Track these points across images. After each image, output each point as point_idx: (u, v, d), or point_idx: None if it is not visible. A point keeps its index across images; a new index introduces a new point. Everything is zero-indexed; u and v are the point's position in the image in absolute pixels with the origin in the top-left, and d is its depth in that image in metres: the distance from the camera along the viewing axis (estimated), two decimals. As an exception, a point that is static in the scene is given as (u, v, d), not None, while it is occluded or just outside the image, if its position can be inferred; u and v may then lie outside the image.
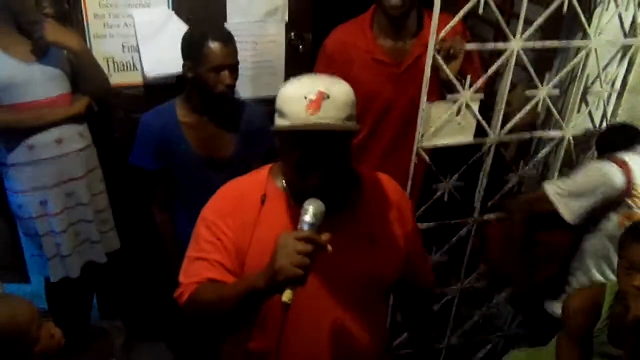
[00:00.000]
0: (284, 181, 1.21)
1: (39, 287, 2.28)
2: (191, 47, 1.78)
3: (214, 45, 1.74)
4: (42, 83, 1.85)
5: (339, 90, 1.09)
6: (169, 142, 1.87)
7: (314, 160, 1.09)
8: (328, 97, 1.06)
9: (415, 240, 1.36)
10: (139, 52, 2.04)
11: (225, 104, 1.85)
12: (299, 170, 1.12)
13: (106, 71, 2.05)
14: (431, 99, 1.80)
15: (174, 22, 2.02)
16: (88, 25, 1.99)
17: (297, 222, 1.07)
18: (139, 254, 2.36)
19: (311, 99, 1.05)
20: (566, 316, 1.57)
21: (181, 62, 2.02)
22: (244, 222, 1.19)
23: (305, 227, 1.03)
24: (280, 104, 1.10)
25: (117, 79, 2.08)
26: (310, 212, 1.04)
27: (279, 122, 1.10)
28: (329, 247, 1.01)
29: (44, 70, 1.85)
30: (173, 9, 2.03)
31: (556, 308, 1.83)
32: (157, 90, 2.10)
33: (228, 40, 1.76)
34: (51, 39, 1.77)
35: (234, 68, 1.78)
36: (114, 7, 1.98)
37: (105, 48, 2.03)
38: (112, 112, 2.15)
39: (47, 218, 1.98)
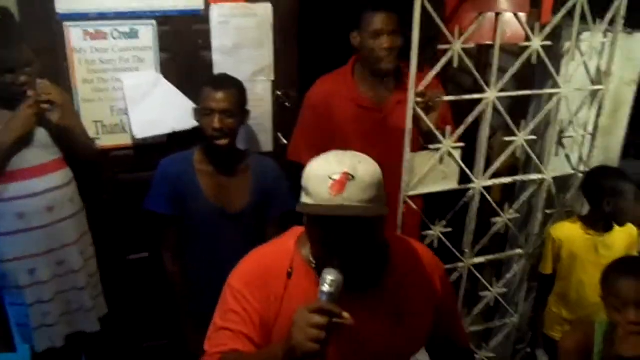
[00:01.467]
0: (310, 253, 1.20)
1: (24, 355, 2.23)
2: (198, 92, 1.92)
3: (207, 89, 1.87)
4: (33, 150, 1.87)
5: (364, 171, 1.07)
6: (184, 188, 1.93)
7: (337, 241, 1.08)
8: (353, 177, 1.05)
9: (449, 303, 1.35)
10: (127, 114, 2.10)
11: (222, 151, 1.91)
12: (322, 249, 1.12)
13: (94, 134, 2.11)
14: (412, 147, 1.89)
15: (162, 85, 2.11)
16: (76, 90, 2.06)
17: None
18: (128, 319, 2.35)
19: (335, 179, 1.05)
20: (560, 357, 1.61)
21: (170, 123, 2.12)
22: (270, 296, 1.18)
23: (323, 297, 1.03)
24: (305, 181, 1.10)
25: (105, 140, 2.13)
26: (327, 281, 1.04)
27: (304, 199, 1.10)
28: (346, 315, 1.01)
29: (35, 139, 1.87)
30: (161, 72, 2.12)
31: None
32: (146, 151, 2.17)
33: (221, 86, 1.87)
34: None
35: (225, 113, 1.85)
36: (103, 72, 2.07)
37: (93, 112, 2.10)
38: (100, 173, 2.18)
39: (36, 287, 1.95)
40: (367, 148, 2.10)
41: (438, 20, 1.75)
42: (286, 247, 1.23)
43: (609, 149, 2.33)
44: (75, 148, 1.97)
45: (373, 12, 2.01)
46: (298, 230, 1.26)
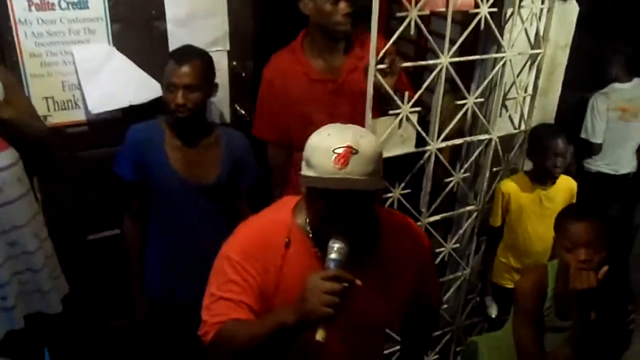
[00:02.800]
0: (307, 221, 1.24)
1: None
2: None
3: (170, 64, 1.87)
4: None
5: (367, 145, 1.12)
6: (150, 156, 1.95)
7: (339, 213, 1.12)
8: (356, 151, 1.09)
9: (429, 269, 1.44)
10: (80, 89, 2.05)
11: (184, 125, 1.93)
12: (323, 220, 1.17)
13: (45, 111, 2.04)
14: (372, 114, 1.99)
15: (115, 57, 2.07)
16: (23, 64, 1.98)
17: (321, 264, 1.14)
18: (88, 300, 2.33)
19: (339, 152, 1.09)
20: (517, 298, 1.79)
21: (126, 96, 2.09)
22: (268, 267, 1.23)
23: (332, 265, 1.10)
24: (307, 153, 1.14)
25: (58, 118, 2.08)
26: (335, 249, 1.10)
27: (306, 171, 1.15)
28: (358, 282, 1.08)
29: None
30: (113, 45, 2.08)
31: None
32: (102, 127, 2.14)
33: (185, 60, 1.86)
34: None
35: (188, 88, 1.85)
36: (51, 45, 2.00)
37: (43, 87, 2.03)
38: (53, 152, 2.12)
39: None
40: (326, 119, 2.19)
41: (396, -11, 1.83)
42: (282, 218, 1.28)
43: (546, 109, 2.54)
44: (24, 133, 1.87)
45: None
46: (290, 200, 1.31)
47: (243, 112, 2.34)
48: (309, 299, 1.06)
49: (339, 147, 1.09)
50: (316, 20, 2.11)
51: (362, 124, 1.97)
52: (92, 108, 2.06)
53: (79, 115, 2.11)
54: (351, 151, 1.09)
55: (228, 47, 2.27)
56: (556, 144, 2.26)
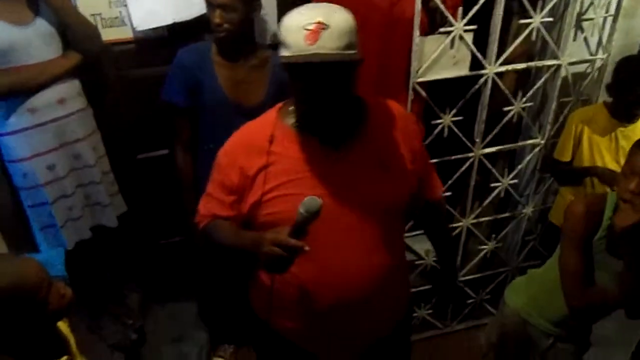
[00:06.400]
0: (293, 118, 1.32)
1: (49, 254, 2.38)
2: None
3: None
4: (37, 45, 1.90)
5: (338, 19, 1.16)
6: (200, 79, 1.97)
7: (315, 89, 1.19)
8: (327, 26, 1.14)
9: (423, 157, 1.48)
10: (126, 5, 2.10)
11: (225, 44, 1.94)
12: (303, 101, 1.24)
13: (94, 28, 2.12)
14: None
15: (159, -27, 2.08)
16: (72, -19, 2.05)
17: (307, 155, 1.27)
18: (144, 215, 2.47)
19: (310, 29, 1.13)
20: (566, 222, 1.64)
21: (170, 13, 2.11)
22: (252, 164, 1.32)
23: (299, 218, 1.15)
24: (282, 34, 1.19)
25: (105, 35, 2.14)
26: (303, 207, 1.15)
27: (282, 52, 1.19)
28: (306, 248, 1.17)
29: (38, 32, 1.90)
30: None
31: None
32: (148, 45, 2.19)
33: None
34: None
35: (224, 7, 1.85)
36: (98, -40, 2.04)
37: (91, 4, 2.09)
38: (105, 69, 2.21)
39: (57, 182, 2.03)
40: (377, 33, 2.13)
41: None
42: (267, 119, 1.37)
43: (630, 33, 2.30)
44: (79, 39, 1.99)
45: None
46: (278, 106, 1.40)
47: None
48: (262, 246, 1.20)
49: (310, 24, 1.14)
50: None
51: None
52: (137, 25, 2.11)
53: (126, 33, 2.17)
54: (322, 27, 1.13)
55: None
56: None
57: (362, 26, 2.03)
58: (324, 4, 1.21)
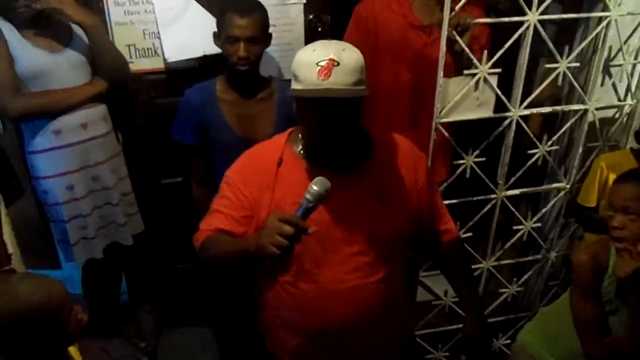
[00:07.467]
0: (300, 145, 1.39)
1: (70, 272, 2.44)
2: (219, 17, 1.94)
3: (231, 16, 1.86)
4: (67, 71, 2.02)
5: (349, 57, 1.23)
6: (207, 118, 2.01)
7: (325, 122, 1.26)
8: (338, 63, 1.21)
9: (430, 194, 1.50)
10: (159, 38, 2.19)
11: (244, 77, 1.97)
12: (312, 132, 1.31)
13: (127, 58, 2.21)
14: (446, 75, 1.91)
15: (193, 7, 2.18)
16: (109, 12, 2.15)
17: (311, 180, 1.24)
18: (164, 239, 2.52)
19: (322, 65, 1.21)
20: (573, 272, 1.64)
21: (201, 46, 2.18)
22: (262, 184, 1.39)
23: (304, 203, 1.18)
24: (294, 68, 1.27)
25: (138, 64, 2.24)
26: (310, 190, 1.17)
27: (294, 85, 1.27)
28: (311, 230, 1.17)
29: (68, 59, 2.03)
30: (192, -5, 2.18)
31: None
32: (179, 75, 2.27)
33: (247, 12, 1.86)
34: (67, 12, 1.91)
35: (251, 40, 1.87)
36: (134, -6, 2.15)
37: (126, 35, 2.20)
38: (134, 97, 2.30)
39: (74, 202, 2.13)
40: (409, 71, 2.17)
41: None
42: (277, 142, 1.44)
43: (661, 80, 2.27)
44: (107, 68, 2.09)
45: None
46: (289, 131, 1.46)
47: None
48: (263, 234, 1.17)
49: (322, 60, 1.21)
50: None
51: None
52: (169, 56, 2.20)
53: (157, 64, 2.26)
54: (333, 63, 1.20)
55: (304, 0, 2.29)
56: None
57: (396, 63, 2.14)
58: (334, 41, 1.30)
